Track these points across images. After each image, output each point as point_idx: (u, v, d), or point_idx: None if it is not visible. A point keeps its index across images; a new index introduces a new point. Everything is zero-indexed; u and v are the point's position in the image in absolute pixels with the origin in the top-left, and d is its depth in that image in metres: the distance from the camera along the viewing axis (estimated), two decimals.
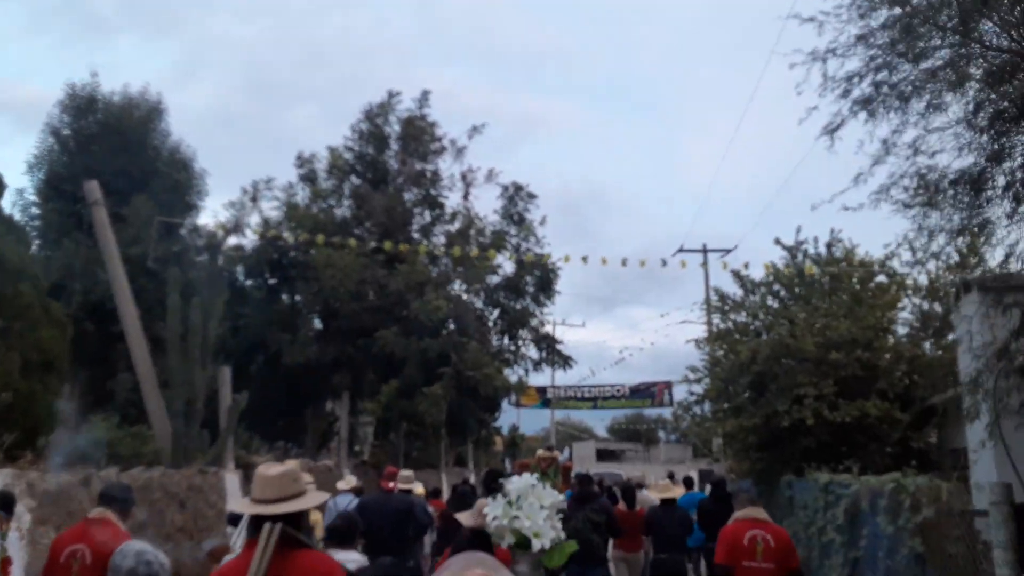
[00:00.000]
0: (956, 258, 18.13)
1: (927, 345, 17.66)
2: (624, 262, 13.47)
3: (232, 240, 22.21)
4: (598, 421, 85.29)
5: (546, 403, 37.30)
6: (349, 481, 10.84)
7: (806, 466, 15.54)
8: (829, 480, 12.15)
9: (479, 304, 23.21)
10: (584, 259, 13.69)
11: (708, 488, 14.68)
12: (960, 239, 6.22)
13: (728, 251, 30.94)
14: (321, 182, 23.29)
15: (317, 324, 22.09)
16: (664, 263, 24.81)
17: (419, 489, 10.59)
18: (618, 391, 36.61)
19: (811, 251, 18.78)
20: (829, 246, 18.48)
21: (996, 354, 10.41)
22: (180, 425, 13.67)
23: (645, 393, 36.25)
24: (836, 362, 16.13)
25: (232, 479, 13.66)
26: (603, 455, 70.34)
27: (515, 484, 4.24)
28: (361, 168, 23.93)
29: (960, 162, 5.90)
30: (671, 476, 29.45)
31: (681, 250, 33.27)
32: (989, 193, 5.86)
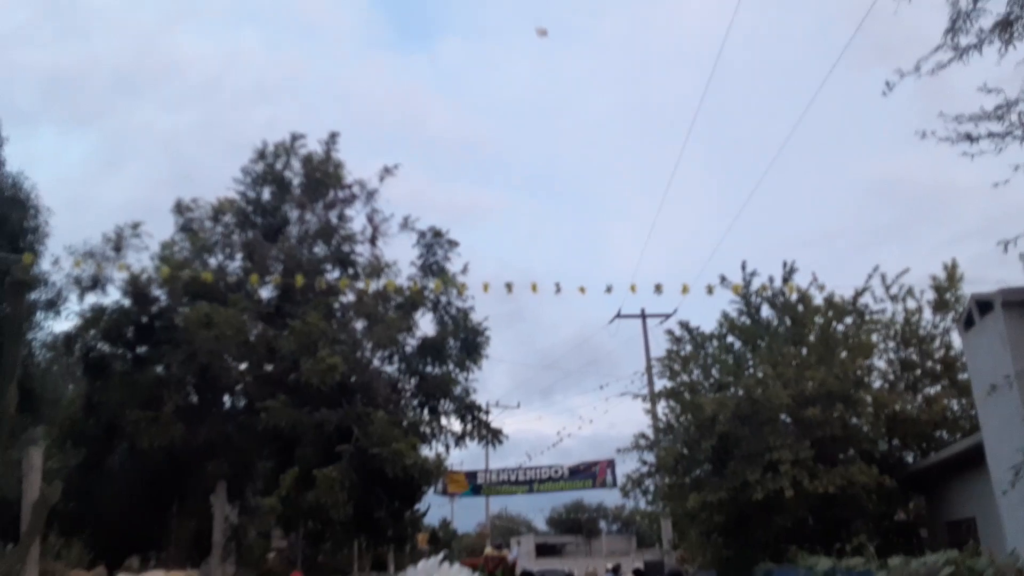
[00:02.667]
0: (930, 295, 16.45)
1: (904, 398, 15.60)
2: (557, 288, 10.97)
3: (91, 299, 18.77)
4: (537, 513, 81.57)
5: (476, 489, 33.71)
6: None
7: (789, 549, 12.93)
8: (831, 567, 9.49)
9: (392, 371, 20.20)
10: (508, 287, 11.14)
11: None
12: None
13: (668, 315, 29.25)
14: (206, 232, 20.20)
15: (194, 399, 18.58)
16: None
17: None
18: (556, 472, 33.39)
19: (765, 292, 16.72)
20: (785, 280, 16.41)
21: None
22: None
23: (586, 473, 33.13)
24: (812, 419, 13.85)
25: None
26: (543, 550, 66.88)
27: (417, 569, 4.47)
28: (257, 217, 21.02)
29: None
30: (616, 569, 26.35)
31: (619, 315, 31.51)
32: None
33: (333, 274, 21.03)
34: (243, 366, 18.74)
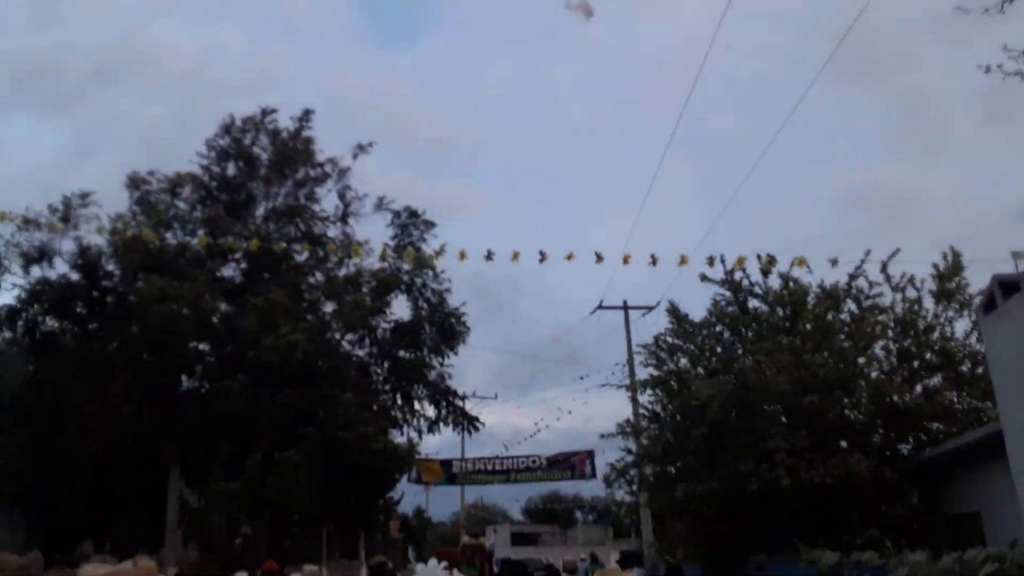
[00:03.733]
0: (931, 285, 15.66)
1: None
2: (543, 257, 9.98)
3: (36, 272, 17.37)
4: (512, 503, 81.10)
5: (451, 478, 32.74)
6: None
7: (784, 542, 12.10)
8: (837, 561, 8.62)
9: (363, 355, 19.04)
10: (488, 254, 10.11)
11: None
12: None
13: (650, 308, 28.49)
14: (163, 207, 18.84)
15: (147, 379, 17.31)
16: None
17: None
18: (534, 463, 32.52)
19: (746, 283, 15.84)
20: (765, 272, 15.50)
21: None
22: None
23: (564, 464, 32.30)
24: (811, 408, 13.00)
25: None
26: (519, 539, 66.54)
27: (421, 571, 4.37)
28: (221, 193, 19.72)
29: None
30: (593, 558, 25.74)
31: (600, 307, 30.66)
32: None
33: (301, 256, 19.88)
34: (202, 347, 17.56)
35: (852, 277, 14.24)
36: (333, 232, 20.11)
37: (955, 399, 14.51)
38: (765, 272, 14.83)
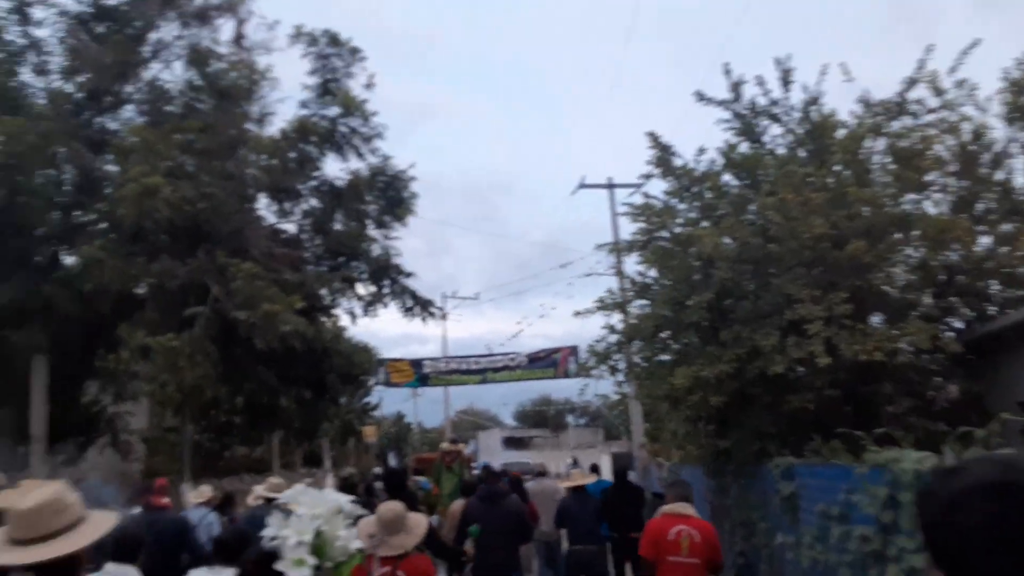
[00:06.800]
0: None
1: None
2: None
3: None
4: (502, 408, 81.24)
5: (423, 379, 30.09)
6: (203, 493, 8.71)
7: (817, 441, 9.14)
8: (936, 463, 5.54)
9: (292, 227, 15.62)
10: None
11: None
12: None
13: (638, 185, 25.28)
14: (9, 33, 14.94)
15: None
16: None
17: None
18: (512, 360, 29.83)
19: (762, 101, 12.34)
20: (785, 83, 12.00)
21: None
22: None
23: (546, 362, 29.60)
24: (852, 260, 9.80)
25: None
26: (510, 443, 67.33)
27: (287, 495, 3.77)
28: (97, 25, 15.74)
29: None
30: (575, 462, 23.63)
31: (583, 185, 27.72)
32: None
33: (203, 102, 16.00)
34: (78, 213, 14.07)
35: (911, 82, 10.66)
36: (245, 83, 16.13)
37: None
38: (785, 82, 11.29)
